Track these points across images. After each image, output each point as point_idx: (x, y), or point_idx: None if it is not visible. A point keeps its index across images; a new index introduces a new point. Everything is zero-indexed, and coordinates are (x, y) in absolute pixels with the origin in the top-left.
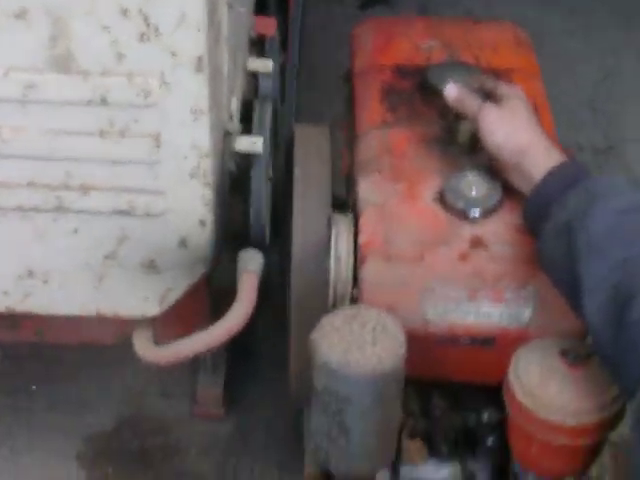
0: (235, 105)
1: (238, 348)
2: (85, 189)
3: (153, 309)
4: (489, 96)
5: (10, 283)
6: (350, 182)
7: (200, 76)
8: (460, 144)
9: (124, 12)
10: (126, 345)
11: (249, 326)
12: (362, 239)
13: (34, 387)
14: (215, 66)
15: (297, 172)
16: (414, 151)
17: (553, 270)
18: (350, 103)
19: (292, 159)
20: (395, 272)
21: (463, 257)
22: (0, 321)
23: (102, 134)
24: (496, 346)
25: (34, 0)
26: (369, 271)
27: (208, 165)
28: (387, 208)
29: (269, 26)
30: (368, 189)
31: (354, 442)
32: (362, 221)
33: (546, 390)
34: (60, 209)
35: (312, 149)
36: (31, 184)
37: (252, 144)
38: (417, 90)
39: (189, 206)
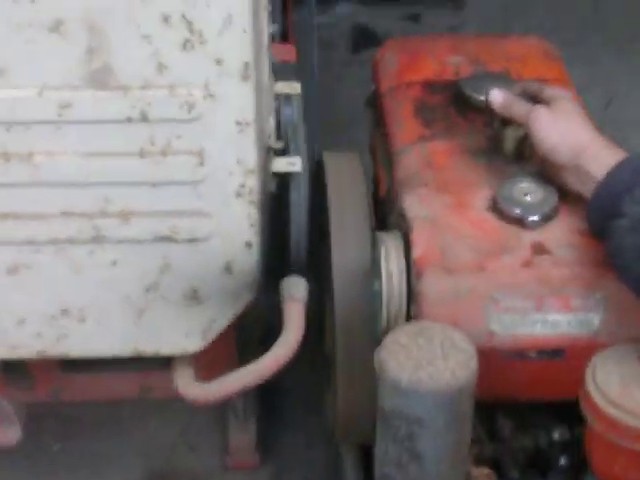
0: (272, 122)
1: (267, 389)
2: (124, 216)
3: (196, 344)
4: (535, 100)
5: (43, 324)
6: (391, 202)
7: (246, 85)
8: (506, 152)
9: (166, 19)
10: (146, 398)
11: None
12: (416, 253)
13: (55, 447)
14: (259, 75)
15: (332, 198)
16: (457, 163)
17: (627, 270)
18: (379, 125)
19: (322, 186)
20: (456, 284)
21: (526, 264)
22: (15, 381)
23: (142, 154)
24: (566, 357)
25: (70, 10)
26: (428, 285)
27: (254, 182)
28: (439, 220)
29: (290, 52)
30: (415, 204)
31: (426, 469)
32: (414, 235)
33: (630, 397)
34: (97, 239)
35: (345, 175)
36: (66, 214)
37: (290, 165)
38: (451, 103)
39: (234, 227)
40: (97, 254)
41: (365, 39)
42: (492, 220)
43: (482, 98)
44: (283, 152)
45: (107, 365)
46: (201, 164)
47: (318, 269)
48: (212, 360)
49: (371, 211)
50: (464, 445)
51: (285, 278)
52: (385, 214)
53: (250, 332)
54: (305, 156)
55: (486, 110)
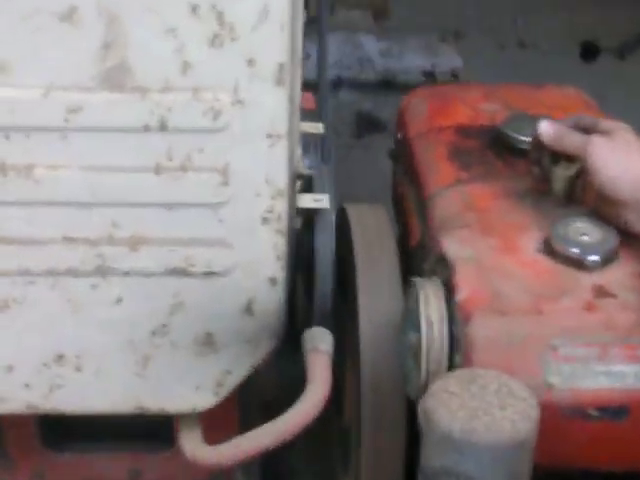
0: (299, 147)
1: (271, 468)
2: (134, 243)
3: (206, 400)
4: (589, 133)
5: (34, 373)
6: (425, 249)
7: (280, 91)
8: (555, 193)
9: (194, 9)
10: None
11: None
12: (462, 295)
13: None
14: (293, 82)
15: (358, 247)
16: (501, 205)
17: None
18: (407, 172)
19: (343, 238)
20: (509, 328)
21: (589, 307)
22: None
23: (158, 170)
24: (631, 417)
25: None
26: (477, 329)
27: (283, 207)
28: (485, 262)
29: (309, 101)
30: (457, 245)
31: None
32: (458, 276)
33: None
34: (102, 271)
35: (370, 224)
36: (67, 239)
37: (316, 201)
38: (489, 147)
39: (258, 260)
40: (100, 289)
41: (369, 125)
42: (545, 261)
43: (525, 138)
44: (307, 189)
45: (94, 444)
46: (225, 183)
47: (336, 332)
48: (211, 424)
49: (399, 261)
50: None
51: (308, 329)
52: (417, 265)
53: (254, 394)
54: (332, 196)
55: (533, 148)
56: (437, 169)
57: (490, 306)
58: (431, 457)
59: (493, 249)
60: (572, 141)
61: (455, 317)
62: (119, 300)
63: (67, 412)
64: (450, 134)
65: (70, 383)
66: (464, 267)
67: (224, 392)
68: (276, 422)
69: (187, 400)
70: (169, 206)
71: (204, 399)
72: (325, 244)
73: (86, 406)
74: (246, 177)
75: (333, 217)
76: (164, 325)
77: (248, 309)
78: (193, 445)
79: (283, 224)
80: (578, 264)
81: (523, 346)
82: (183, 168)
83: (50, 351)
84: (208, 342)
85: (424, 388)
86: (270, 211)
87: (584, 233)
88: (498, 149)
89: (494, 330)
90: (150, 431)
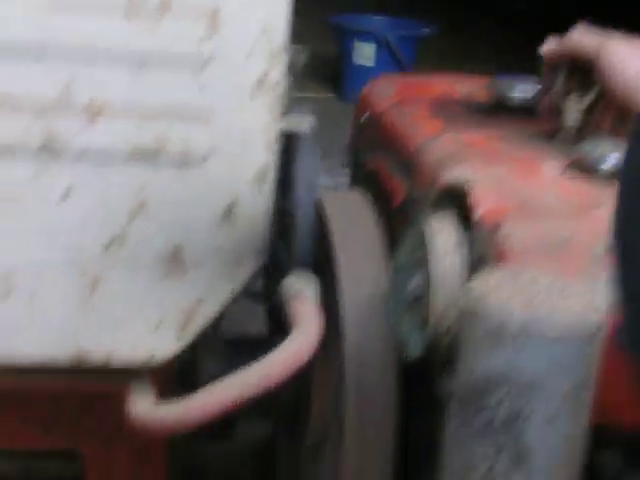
0: None
1: None
2: (93, 113)
3: (168, 345)
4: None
5: None
6: (414, 201)
7: None
8: (568, 126)
9: None
10: None
11: None
12: (485, 208)
13: None
14: None
15: (336, 229)
16: (504, 145)
17: None
18: (380, 144)
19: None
20: (547, 232)
21: None
22: None
23: (130, 12)
24: None
25: None
26: (510, 234)
27: (280, 71)
28: (503, 182)
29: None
30: (468, 172)
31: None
32: (477, 194)
33: None
34: (48, 150)
35: (347, 209)
36: (6, 102)
37: (298, 123)
38: (476, 107)
39: (245, 142)
40: (44, 177)
41: None
42: (571, 181)
43: (518, 95)
44: None
45: None
46: (212, 33)
47: None
48: None
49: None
50: (580, 440)
51: (288, 276)
52: (403, 224)
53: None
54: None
55: (544, 75)
56: (421, 125)
57: (520, 213)
58: (472, 366)
59: (509, 173)
60: (587, 44)
61: (476, 237)
62: (66, 194)
63: None
64: (427, 102)
65: None
66: (481, 186)
67: (189, 335)
68: (258, 365)
69: (142, 345)
70: (140, 62)
71: (164, 344)
72: (307, 170)
73: (8, 350)
74: (237, 25)
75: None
76: (121, 233)
77: (228, 214)
78: (147, 405)
79: (278, 96)
80: (607, 179)
81: (565, 250)
82: (161, 9)
83: None
84: (175, 259)
85: (435, 335)
86: (266, 74)
87: (608, 150)
88: (486, 110)
89: (528, 235)
90: None
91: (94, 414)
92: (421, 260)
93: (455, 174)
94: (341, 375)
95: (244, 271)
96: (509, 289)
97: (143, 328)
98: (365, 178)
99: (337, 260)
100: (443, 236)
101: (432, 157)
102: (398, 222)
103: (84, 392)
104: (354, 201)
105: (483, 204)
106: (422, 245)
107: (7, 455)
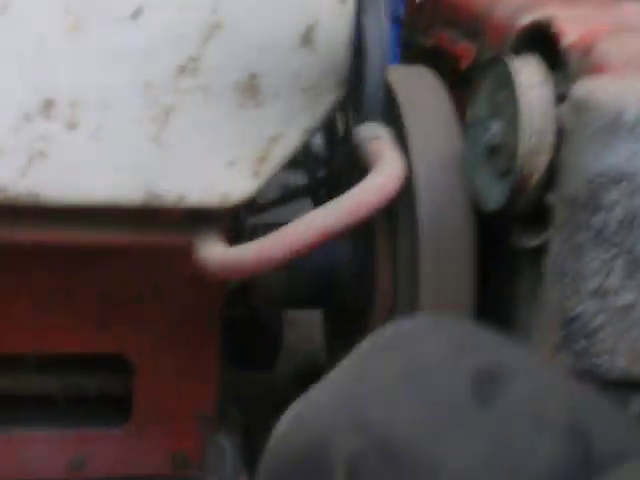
0: None
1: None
2: None
3: (243, 184)
4: None
5: (9, 132)
6: (485, 57)
7: None
8: None
9: None
10: None
11: None
12: (573, 36)
13: None
14: None
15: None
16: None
17: None
18: (441, 21)
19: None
20: None
21: None
22: None
23: None
24: None
25: None
26: (607, 50)
27: None
28: (589, 16)
29: None
30: (551, 10)
31: None
32: (560, 24)
33: None
34: None
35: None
36: None
37: None
38: None
39: None
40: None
41: None
42: None
43: None
44: None
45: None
46: None
47: None
48: None
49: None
50: None
51: (360, 126)
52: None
53: None
54: None
55: None
56: None
57: (613, 32)
58: (585, 165)
59: (593, 10)
60: None
61: (566, 65)
62: (138, 11)
63: (46, 199)
64: None
65: (57, 150)
66: (566, 20)
67: (266, 173)
68: (348, 196)
69: (216, 183)
70: None
71: (240, 182)
72: (376, 23)
73: (73, 190)
74: None
75: None
76: (194, 59)
77: (307, 38)
78: (217, 250)
79: None
80: None
81: None
82: None
83: (33, 95)
84: (251, 88)
85: (521, 177)
86: None
87: None
88: None
89: (627, 49)
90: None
91: (144, 313)
92: (503, 102)
93: (535, 15)
94: (415, 240)
95: (323, 103)
96: (621, 84)
97: (217, 165)
98: (422, 57)
99: (407, 121)
100: (527, 72)
101: (505, 11)
102: (466, 87)
103: (149, 246)
104: (419, 72)
105: (570, 33)
106: (506, 83)
107: (48, 370)
